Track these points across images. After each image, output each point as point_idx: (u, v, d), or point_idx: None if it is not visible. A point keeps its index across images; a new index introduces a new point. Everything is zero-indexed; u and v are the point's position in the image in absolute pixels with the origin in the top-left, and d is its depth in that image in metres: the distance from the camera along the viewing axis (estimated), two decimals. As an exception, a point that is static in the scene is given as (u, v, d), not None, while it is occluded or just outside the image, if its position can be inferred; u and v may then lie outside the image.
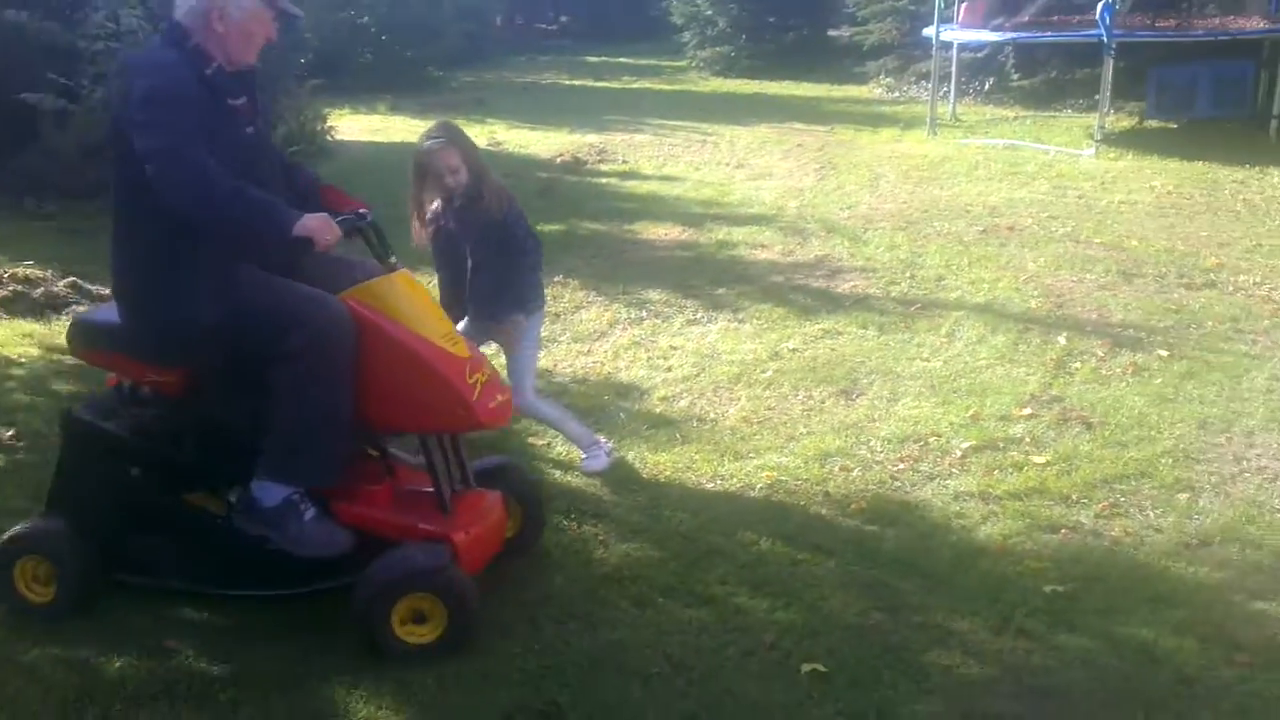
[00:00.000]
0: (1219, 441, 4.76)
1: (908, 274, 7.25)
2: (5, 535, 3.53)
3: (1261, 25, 11.85)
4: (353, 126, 13.52)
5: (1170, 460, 4.58)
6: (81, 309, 6.16)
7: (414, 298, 3.51)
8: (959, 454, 4.68)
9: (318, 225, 3.32)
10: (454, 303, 4.39)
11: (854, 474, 4.55)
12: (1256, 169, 10.13)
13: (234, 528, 3.41)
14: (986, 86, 15.01)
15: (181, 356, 3.40)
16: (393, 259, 3.53)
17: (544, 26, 26.54)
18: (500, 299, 4.38)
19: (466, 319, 4.40)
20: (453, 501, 3.47)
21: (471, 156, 4.32)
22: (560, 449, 4.78)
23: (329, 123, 12.20)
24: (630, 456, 4.68)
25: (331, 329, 3.28)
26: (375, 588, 3.24)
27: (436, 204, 4.42)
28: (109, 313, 3.55)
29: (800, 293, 6.97)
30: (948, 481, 4.46)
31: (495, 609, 3.51)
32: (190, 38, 3.34)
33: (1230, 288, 6.85)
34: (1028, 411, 5.08)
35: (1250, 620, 3.50)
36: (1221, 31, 11.88)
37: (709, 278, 7.26)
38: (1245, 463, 4.58)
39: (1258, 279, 6.98)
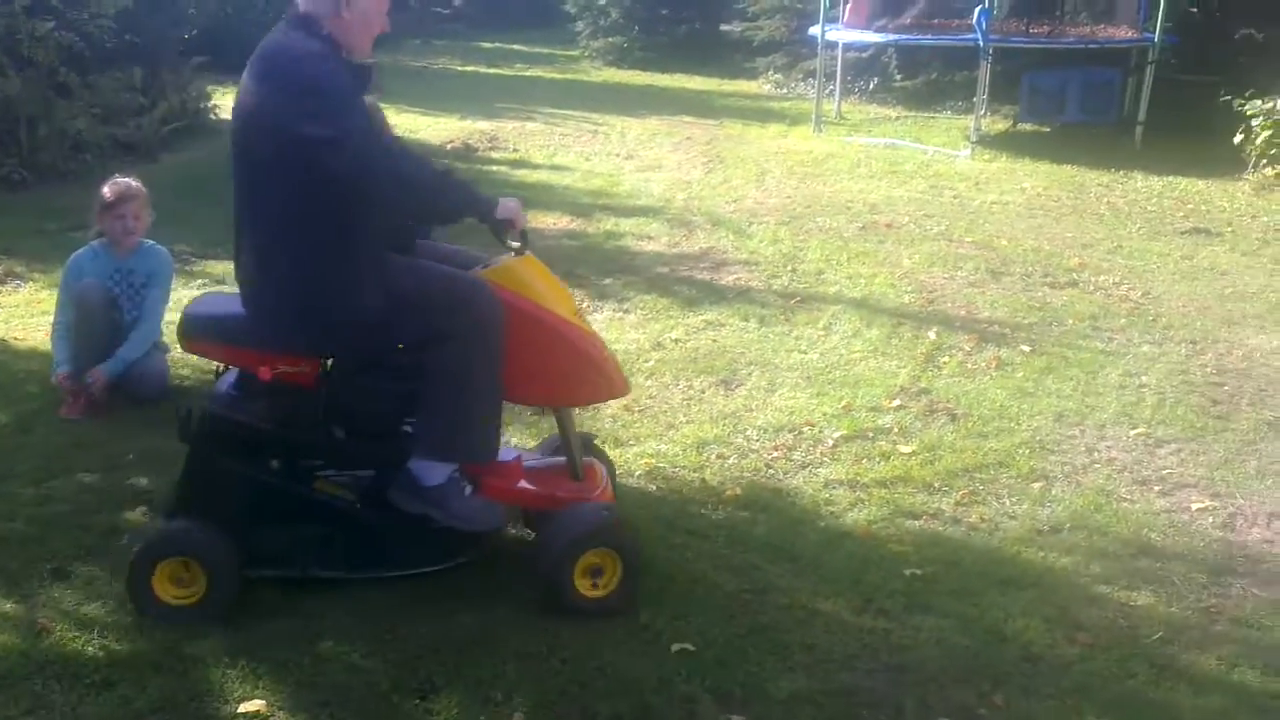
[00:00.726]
0: (1073, 433, 5.03)
1: (789, 268, 7.45)
2: (143, 537, 3.43)
3: (1129, 35, 12.39)
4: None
5: (1027, 451, 4.83)
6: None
7: (544, 278, 3.64)
8: (830, 443, 4.86)
9: (515, 208, 3.49)
10: None
11: (730, 461, 4.69)
12: (1121, 173, 10.61)
13: (372, 511, 3.50)
14: (871, 86, 15.39)
15: (343, 346, 3.43)
16: (516, 243, 3.60)
17: (440, 10, 26.27)
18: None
19: None
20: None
21: None
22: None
23: (213, 101, 11.97)
24: (512, 443, 4.75)
25: (489, 310, 3.39)
26: (561, 546, 3.44)
27: None
28: (224, 305, 3.54)
29: (685, 284, 7.11)
30: (819, 470, 4.63)
31: (374, 590, 3.56)
32: (321, 26, 3.33)
33: (1091, 287, 7.20)
34: (897, 403, 5.29)
35: (1093, 603, 3.73)
36: (1091, 40, 12.40)
37: (596, 268, 7.35)
38: (1096, 454, 4.84)
39: (1117, 279, 7.35)
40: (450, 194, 3.41)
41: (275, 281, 3.36)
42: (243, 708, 3.04)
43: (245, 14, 16.91)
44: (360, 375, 3.50)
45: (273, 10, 17.02)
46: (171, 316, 5.71)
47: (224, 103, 12.49)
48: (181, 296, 6.27)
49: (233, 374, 3.57)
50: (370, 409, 3.52)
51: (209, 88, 12.12)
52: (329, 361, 3.50)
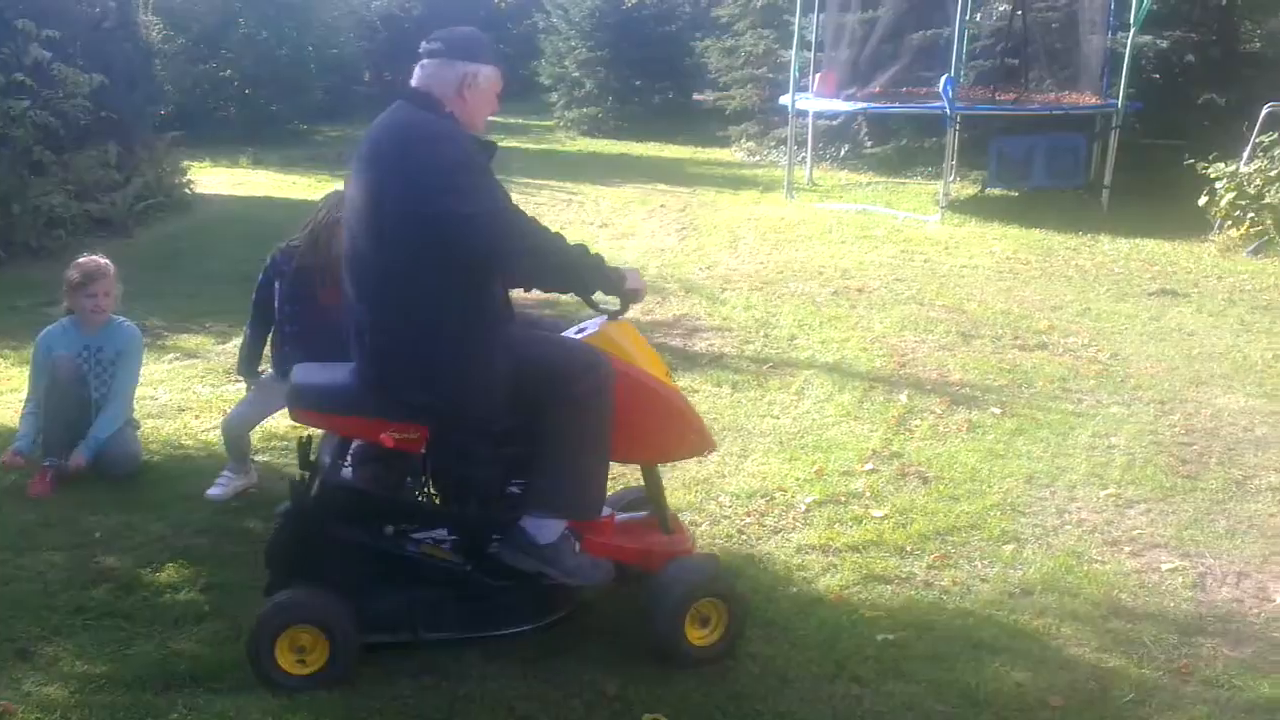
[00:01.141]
0: (1044, 495, 5.05)
1: (762, 333, 7.50)
2: (266, 608, 3.41)
3: (1093, 101, 12.64)
4: (214, 179, 13.37)
5: (998, 513, 4.84)
6: None
7: (638, 342, 3.81)
8: (803, 508, 4.87)
9: (639, 279, 3.68)
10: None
11: (703, 528, 4.69)
12: (1088, 236, 10.76)
13: (479, 572, 3.59)
14: (842, 153, 15.63)
15: (468, 412, 3.49)
16: (613, 309, 3.77)
17: (413, 83, 26.59)
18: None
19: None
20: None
21: None
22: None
23: (188, 176, 12.04)
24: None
25: (606, 375, 3.52)
26: (676, 598, 3.57)
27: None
28: (330, 374, 3.60)
29: (659, 351, 7.08)
30: (791, 535, 4.63)
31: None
32: (444, 106, 3.46)
33: (1060, 349, 7.27)
34: (869, 467, 5.31)
35: (1064, 665, 3.73)
36: (1056, 106, 12.64)
37: (569, 336, 7.37)
38: (1067, 515, 4.86)
39: (1085, 341, 7.43)
40: (584, 267, 3.54)
41: (407, 351, 3.41)
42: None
43: (221, 91, 17.12)
44: (468, 441, 3.56)
45: (249, 87, 17.24)
46: (145, 391, 5.73)
47: (199, 177, 12.59)
48: (153, 371, 6.29)
49: (333, 444, 3.61)
50: (479, 474, 3.61)
51: (184, 163, 12.21)
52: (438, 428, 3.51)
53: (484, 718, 3.33)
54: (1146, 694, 3.57)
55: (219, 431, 5.54)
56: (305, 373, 3.68)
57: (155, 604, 3.92)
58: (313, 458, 3.63)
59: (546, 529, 3.55)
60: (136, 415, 5.28)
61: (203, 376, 6.43)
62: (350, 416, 3.51)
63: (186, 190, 11.85)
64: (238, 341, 6.95)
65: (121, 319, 5.20)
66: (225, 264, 9.02)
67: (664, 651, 3.60)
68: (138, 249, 9.76)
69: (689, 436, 3.78)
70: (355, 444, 3.71)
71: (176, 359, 6.71)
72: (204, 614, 3.85)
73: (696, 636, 3.62)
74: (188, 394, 6.13)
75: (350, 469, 3.63)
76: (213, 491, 4.79)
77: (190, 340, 7.05)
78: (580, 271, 3.53)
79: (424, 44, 3.55)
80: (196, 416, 5.79)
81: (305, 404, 3.54)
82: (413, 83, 3.51)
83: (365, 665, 3.52)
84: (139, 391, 5.32)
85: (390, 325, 3.42)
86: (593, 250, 3.59)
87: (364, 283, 3.46)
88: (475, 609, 3.61)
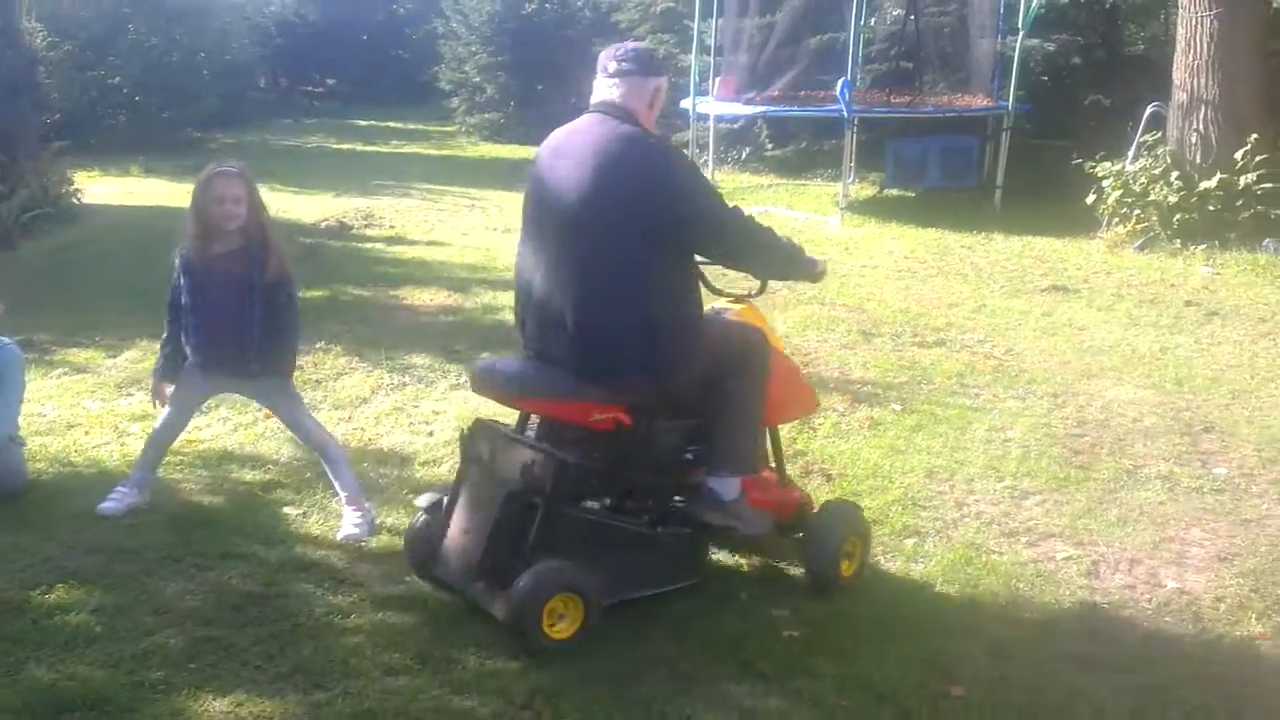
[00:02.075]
0: (943, 489, 5.14)
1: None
2: (530, 581, 3.63)
3: (984, 103, 12.92)
4: (103, 189, 13.00)
5: (900, 508, 4.92)
6: None
7: (762, 319, 4.35)
8: (709, 509, 4.88)
9: (824, 264, 4.28)
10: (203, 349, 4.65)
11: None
12: (982, 235, 11.01)
13: (669, 533, 4.06)
14: (743, 155, 15.77)
15: (674, 390, 3.91)
16: (752, 292, 4.41)
17: (311, 90, 26.14)
18: (288, 359, 4.75)
19: (203, 372, 4.69)
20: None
21: (255, 199, 4.57)
22: (316, 519, 4.73)
23: (75, 185, 11.69)
24: (390, 523, 4.68)
25: (766, 349, 4.09)
26: (834, 539, 4.14)
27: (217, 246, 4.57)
28: (520, 364, 4.07)
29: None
30: (698, 536, 4.64)
31: (239, 680, 3.46)
32: (637, 118, 3.88)
33: (958, 345, 7.42)
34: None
35: (965, 656, 3.79)
36: (949, 108, 12.90)
37: (474, 342, 7.33)
38: (965, 508, 4.96)
39: (981, 337, 7.59)
40: (794, 257, 4.11)
41: (633, 340, 3.80)
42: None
43: (110, 98, 16.65)
44: (658, 415, 3.95)
45: (139, 94, 16.78)
46: (32, 408, 5.53)
47: (90, 187, 12.23)
48: (41, 387, 6.10)
49: (535, 429, 4.06)
50: (667, 444, 4.02)
51: (71, 172, 11.84)
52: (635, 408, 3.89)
53: (389, 731, 3.28)
54: (1045, 682, 3.65)
55: (111, 447, 5.41)
56: (505, 365, 4.16)
57: (45, 626, 3.78)
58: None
59: (728, 487, 4.01)
60: (23, 433, 5.11)
61: (93, 391, 6.24)
62: (555, 401, 3.90)
63: (74, 200, 11.49)
64: (129, 355, 6.79)
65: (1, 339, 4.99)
66: (115, 275, 8.78)
67: (822, 586, 4.15)
68: (23, 261, 9.45)
69: (805, 399, 4.46)
70: (539, 427, 4.07)
71: (65, 374, 6.50)
72: (96, 636, 3.73)
73: (846, 569, 4.18)
74: (77, 410, 5.94)
75: (577, 449, 3.92)
76: (106, 505, 4.64)
77: (79, 354, 6.84)
78: (796, 260, 4.12)
79: (614, 63, 3.91)
80: (86, 433, 5.62)
81: (523, 393, 3.96)
82: (612, 99, 3.89)
83: (252, 682, 3.46)
84: (25, 409, 5.14)
85: (616, 317, 3.79)
86: (783, 238, 4.11)
87: (584, 278, 3.80)
88: (661, 568, 4.04)
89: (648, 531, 4.03)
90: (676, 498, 4.11)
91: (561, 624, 3.68)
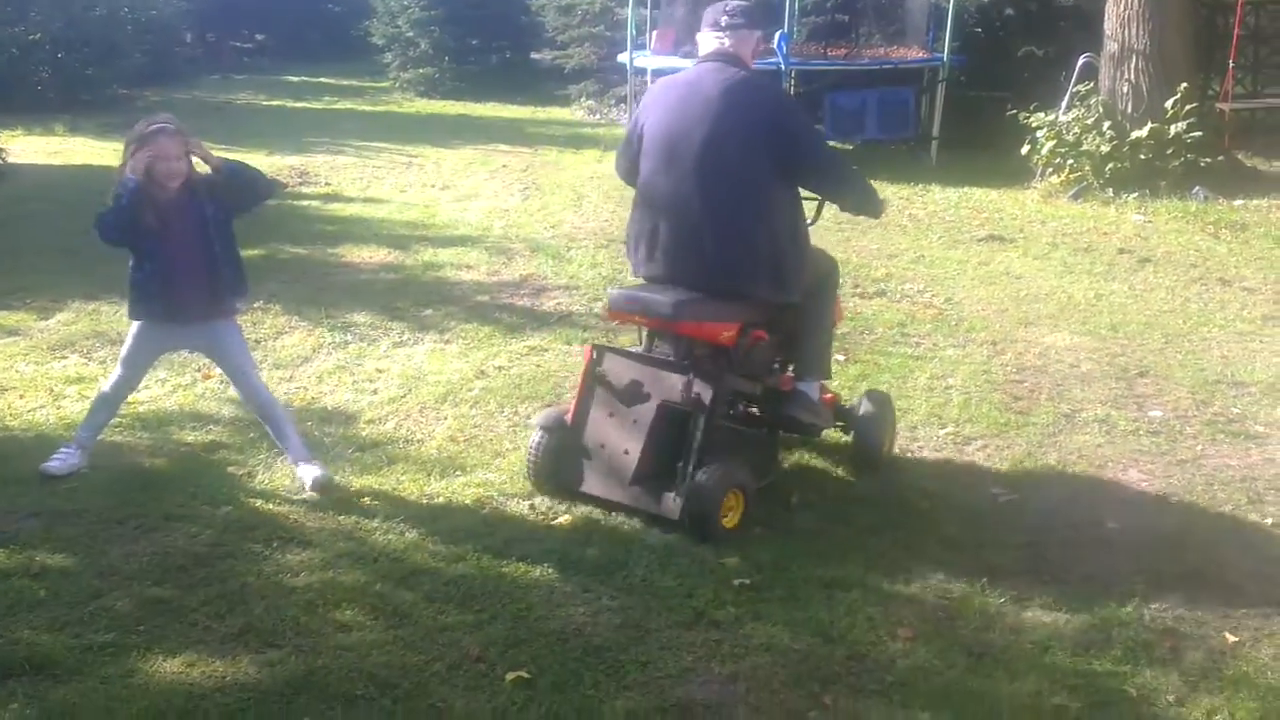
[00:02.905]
0: (887, 436, 5.20)
1: (609, 290, 7.49)
2: (708, 479, 4.15)
3: (920, 55, 12.97)
4: (27, 148, 12.63)
5: (847, 455, 4.97)
6: None
7: None
8: (657, 461, 4.90)
9: (885, 205, 4.89)
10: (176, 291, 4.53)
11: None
12: (920, 186, 11.09)
13: (769, 434, 4.79)
14: (682, 109, 15.66)
15: (793, 301, 4.51)
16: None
17: (239, 45, 25.51)
18: (242, 289, 4.73)
19: (165, 323, 4.60)
20: None
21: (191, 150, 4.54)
22: (262, 478, 4.69)
23: (1, 144, 11.36)
24: (336, 481, 4.64)
25: (838, 269, 4.92)
26: (884, 423, 4.89)
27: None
28: (655, 292, 4.41)
29: (506, 311, 7.10)
30: (647, 488, 4.66)
31: (189, 640, 3.43)
32: (745, 64, 4.48)
33: (898, 295, 7.50)
34: (720, 418, 5.38)
35: (912, 599, 3.87)
36: (885, 60, 12.93)
37: (415, 299, 7.27)
38: (910, 454, 5.03)
39: (920, 287, 7.67)
40: (872, 195, 4.67)
41: (766, 256, 4.35)
42: None
43: (31, 55, 16.14)
44: (763, 330, 4.49)
45: (62, 51, 16.27)
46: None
47: (13, 146, 11.89)
48: (-33, 351, 5.93)
49: (674, 348, 4.44)
50: (768, 356, 4.58)
51: (-5, 130, 11.50)
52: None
53: (342, 688, 3.27)
54: (989, 621, 3.73)
55: (46, 410, 5.31)
56: (635, 291, 4.49)
57: (-14, 592, 3.72)
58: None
59: (814, 389, 4.65)
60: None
61: (25, 354, 6.10)
62: (699, 322, 4.35)
63: (0, 160, 11.18)
64: (61, 317, 6.65)
65: None
66: (44, 236, 8.55)
67: (872, 463, 4.81)
68: (-55, 223, 9.18)
69: (842, 312, 5.17)
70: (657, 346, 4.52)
71: (-6, 337, 6.35)
72: (39, 600, 3.68)
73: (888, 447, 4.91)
74: (10, 373, 5.81)
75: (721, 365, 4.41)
76: (50, 465, 4.56)
77: (10, 317, 6.67)
78: (873, 198, 4.66)
79: (725, 18, 4.45)
80: (21, 396, 5.50)
81: (680, 316, 4.31)
82: (725, 48, 4.44)
83: (202, 643, 3.43)
84: None
85: (751, 238, 4.32)
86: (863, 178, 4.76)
87: (723, 204, 4.32)
88: (761, 467, 4.55)
89: (759, 434, 4.77)
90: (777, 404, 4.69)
91: (730, 515, 4.22)
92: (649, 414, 4.31)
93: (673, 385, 4.30)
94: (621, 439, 4.36)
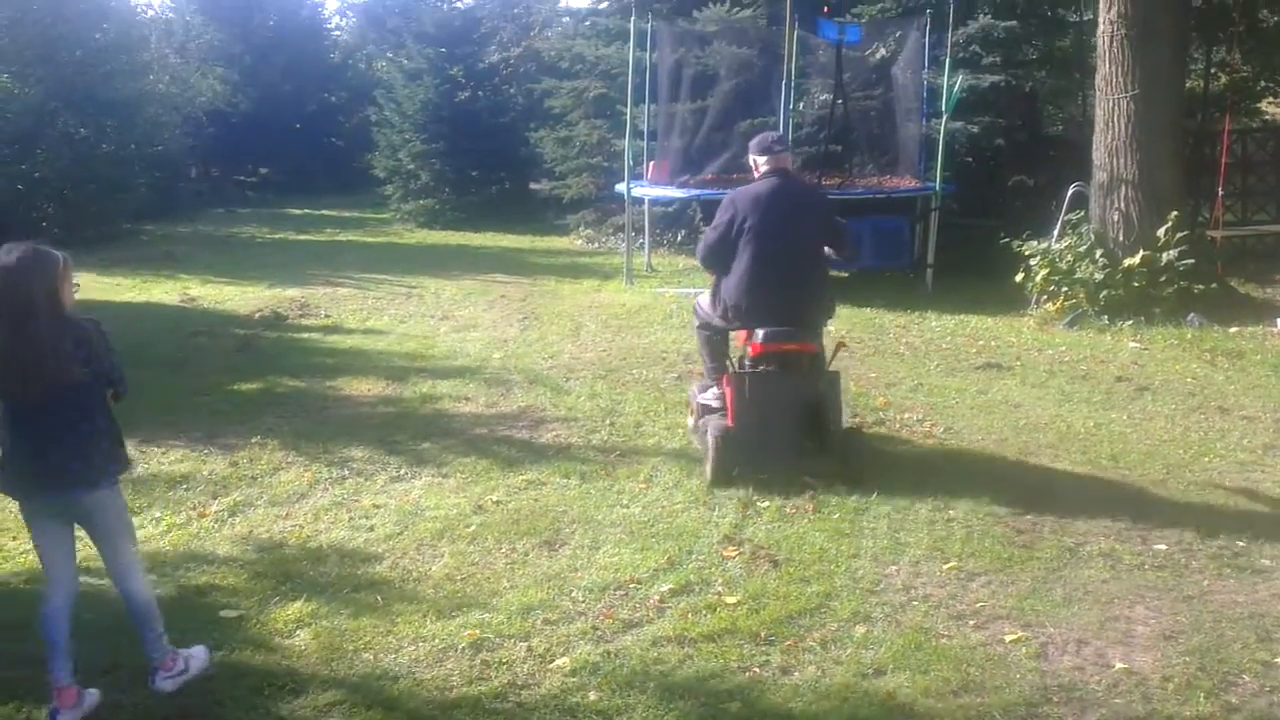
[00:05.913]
0: (890, 572, 5.13)
1: (608, 422, 7.50)
2: (851, 439, 6.52)
3: (913, 184, 13.20)
4: (30, 282, 12.73)
5: (847, 593, 4.89)
6: None
7: None
8: (657, 599, 4.83)
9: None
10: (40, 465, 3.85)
11: (557, 626, 4.60)
12: (916, 314, 11.17)
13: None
14: (679, 238, 15.91)
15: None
16: None
17: (243, 179, 26.01)
18: (119, 456, 4.03)
19: (37, 490, 3.91)
20: None
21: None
22: (254, 620, 4.60)
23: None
24: (330, 625, 4.56)
25: None
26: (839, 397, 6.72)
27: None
28: (781, 329, 6.32)
29: (504, 444, 7.07)
30: (647, 628, 4.58)
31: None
32: (792, 174, 6.67)
33: (897, 424, 7.48)
34: (721, 553, 5.32)
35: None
36: (879, 190, 13.15)
37: (413, 433, 7.25)
38: (913, 591, 4.95)
39: (919, 416, 7.66)
40: (858, 250, 7.35)
41: (825, 298, 6.65)
42: None
43: (37, 191, 16.37)
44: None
45: (67, 187, 16.51)
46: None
47: (15, 280, 12.00)
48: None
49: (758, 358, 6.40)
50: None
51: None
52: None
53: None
54: (1000, 768, 3.62)
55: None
56: (773, 330, 6.29)
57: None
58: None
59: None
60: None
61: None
62: (803, 344, 6.36)
63: None
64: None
65: None
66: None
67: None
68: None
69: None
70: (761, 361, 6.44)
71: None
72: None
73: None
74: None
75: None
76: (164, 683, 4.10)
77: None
78: (855, 247, 7.25)
79: (775, 145, 6.52)
80: None
81: (791, 341, 6.30)
82: (784, 165, 6.48)
83: None
84: None
85: (823, 289, 6.59)
86: None
87: (810, 268, 6.46)
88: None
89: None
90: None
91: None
92: (799, 405, 6.27)
93: (803, 385, 6.32)
94: (785, 425, 6.24)
